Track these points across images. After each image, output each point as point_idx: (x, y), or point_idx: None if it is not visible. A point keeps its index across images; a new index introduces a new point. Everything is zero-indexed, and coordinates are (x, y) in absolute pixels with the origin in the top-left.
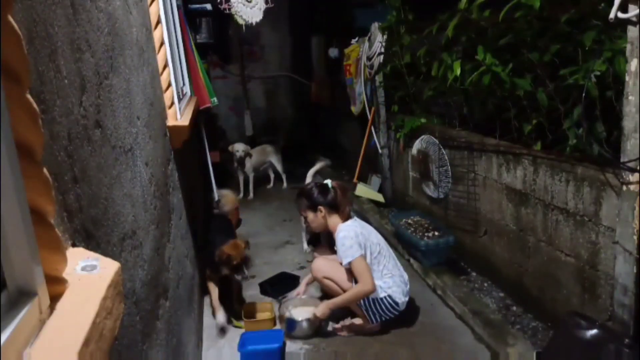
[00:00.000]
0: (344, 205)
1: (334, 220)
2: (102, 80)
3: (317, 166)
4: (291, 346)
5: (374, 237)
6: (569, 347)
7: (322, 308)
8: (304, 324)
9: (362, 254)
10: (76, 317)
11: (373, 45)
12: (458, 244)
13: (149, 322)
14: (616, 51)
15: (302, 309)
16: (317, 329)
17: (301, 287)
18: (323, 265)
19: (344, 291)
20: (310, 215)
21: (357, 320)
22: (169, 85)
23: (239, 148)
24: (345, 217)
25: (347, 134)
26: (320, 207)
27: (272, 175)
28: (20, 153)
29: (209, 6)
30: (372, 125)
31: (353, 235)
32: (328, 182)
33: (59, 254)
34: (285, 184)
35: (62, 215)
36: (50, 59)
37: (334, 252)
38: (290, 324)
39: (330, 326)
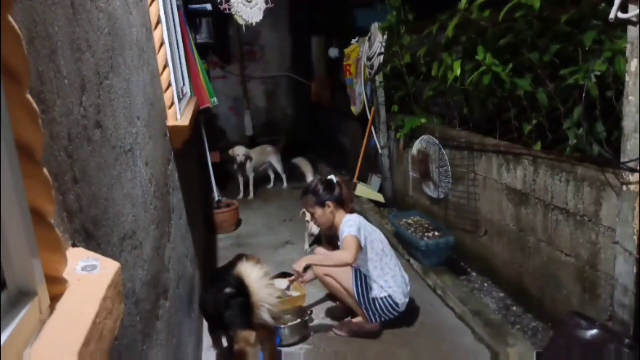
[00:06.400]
0: (348, 200)
1: (340, 215)
2: (102, 80)
3: (304, 167)
4: (291, 346)
5: (377, 235)
6: (569, 347)
7: (300, 261)
8: (286, 331)
9: (358, 237)
10: (76, 317)
11: (373, 45)
12: (458, 244)
13: (149, 322)
14: (616, 51)
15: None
16: (302, 334)
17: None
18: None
19: (345, 289)
20: (319, 211)
21: (357, 320)
22: (169, 85)
23: (239, 152)
24: (350, 212)
25: (347, 134)
26: (328, 203)
27: (272, 175)
28: (20, 153)
29: (209, 6)
30: (372, 125)
31: (357, 222)
32: (332, 177)
33: (59, 254)
34: (285, 184)
35: (62, 215)
36: (50, 59)
37: (335, 249)
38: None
39: (329, 320)
